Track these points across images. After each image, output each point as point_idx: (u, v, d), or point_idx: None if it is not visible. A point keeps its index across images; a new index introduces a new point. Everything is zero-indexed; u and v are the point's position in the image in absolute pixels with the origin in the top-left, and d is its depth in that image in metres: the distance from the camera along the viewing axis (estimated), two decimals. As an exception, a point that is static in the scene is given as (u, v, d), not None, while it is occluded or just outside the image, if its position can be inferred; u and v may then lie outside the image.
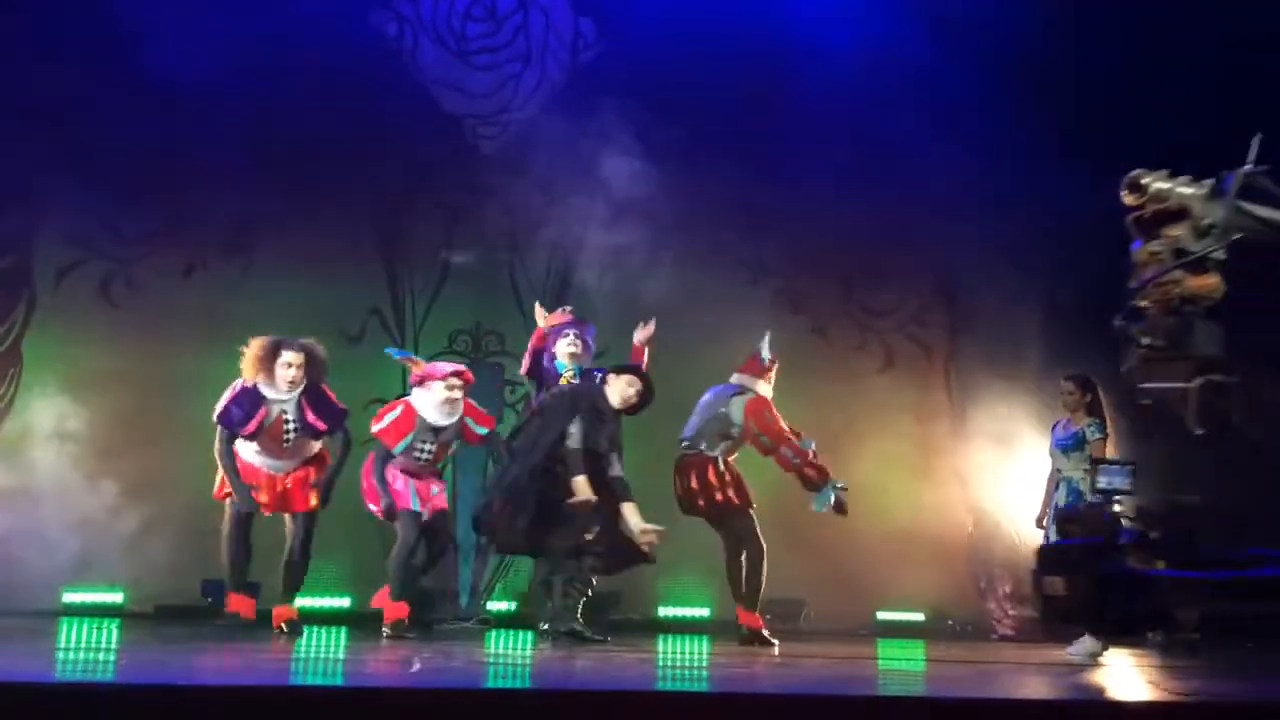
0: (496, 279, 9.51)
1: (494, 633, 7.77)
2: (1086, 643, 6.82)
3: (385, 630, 6.74)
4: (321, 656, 5.31)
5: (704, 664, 5.52)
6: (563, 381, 7.32)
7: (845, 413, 9.25)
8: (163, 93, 8.65)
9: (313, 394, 6.82)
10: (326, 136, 9.01)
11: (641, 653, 6.04)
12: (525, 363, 7.64)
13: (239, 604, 6.91)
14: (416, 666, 4.65)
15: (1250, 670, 6.41)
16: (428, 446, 6.93)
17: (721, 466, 7.34)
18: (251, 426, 6.66)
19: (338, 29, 9.25)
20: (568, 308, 7.87)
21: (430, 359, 9.31)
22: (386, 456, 6.85)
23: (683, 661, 5.55)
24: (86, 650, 5.26)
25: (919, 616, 9.18)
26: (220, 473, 6.84)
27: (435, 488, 7.06)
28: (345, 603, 8.59)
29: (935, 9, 9.32)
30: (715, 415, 7.34)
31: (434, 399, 6.87)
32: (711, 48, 9.56)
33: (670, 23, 9.55)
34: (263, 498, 6.80)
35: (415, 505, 6.86)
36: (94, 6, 8.86)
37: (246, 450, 6.83)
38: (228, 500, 6.86)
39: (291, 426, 6.78)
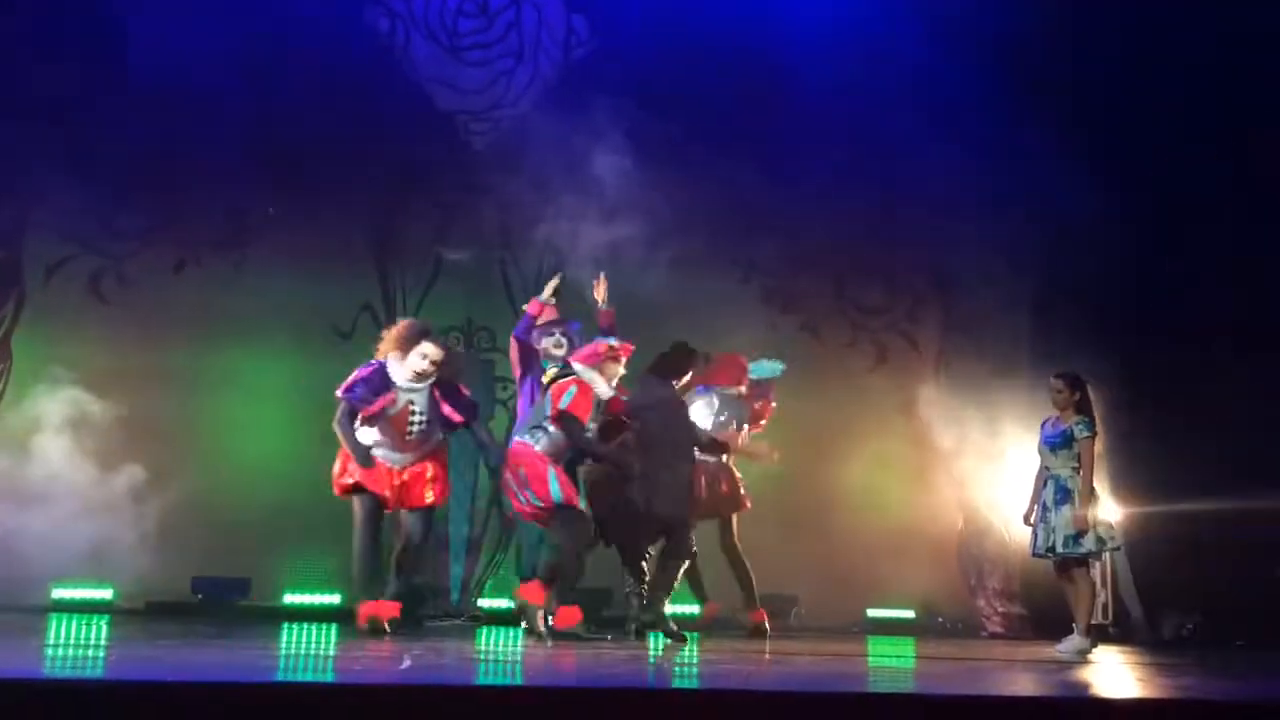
0: (488, 275, 9.51)
1: (484, 629, 7.76)
2: (1075, 640, 6.83)
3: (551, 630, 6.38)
4: (311, 653, 5.30)
5: (695, 661, 5.52)
6: (545, 379, 7.28)
7: (836, 410, 9.27)
8: (153, 89, 8.66)
9: (445, 387, 6.60)
10: (318, 133, 9.01)
11: (632, 649, 6.04)
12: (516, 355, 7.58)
13: (383, 609, 6.48)
14: (406, 663, 4.64)
15: (1239, 668, 6.43)
16: (592, 425, 6.69)
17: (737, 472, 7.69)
18: (375, 407, 6.39)
19: (330, 26, 9.26)
20: (552, 300, 7.84)
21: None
22: (577, 438, 6.51)
23: (674, 658, 5.55)
24: (76, 646, 5.24)
25: (909, 614, 9.19)
26: (339, 468, 6.53)
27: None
28: (335, 599, 8.57)
29: (932, 8, 9.33)
30: (724, 422, 7.62)
31: (609, 374, 6.70)
32: (705, 45, 9.57)
33: (664, 20, 9.57)
34: (386, 492, 6.51)
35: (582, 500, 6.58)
36: (87, 6, 8.85)
37: (366, 439, 6.52)
38: (355, 498, 6.52)
39: (419, 419, 6.53)
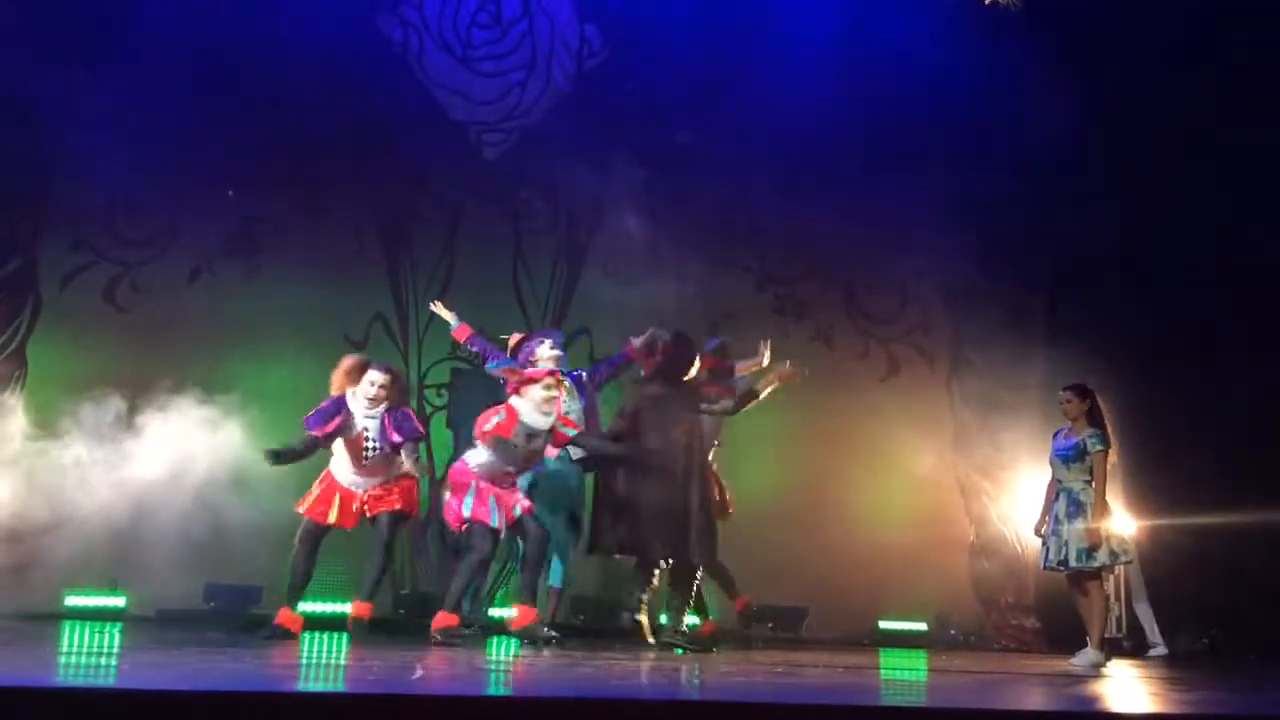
0: (500, 285, 9.51)
1: (495, 639, 7.75)
2: (1089, 654, 6.80)
3: (435, 637, 6.82)
4: (324, 662, 5.30)
5: (705, 672, 5.51)
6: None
7: (847, 421, 9.25)
8: (167, 97, 8.69)
9: (396, 414, 7.05)
10: (332, 141, 9.04)
11: (642, 661, 6.03)
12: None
13: (288, 620, 6.88)
14: (419, 673, 4.64)
15: (1253, 682, 6.39)
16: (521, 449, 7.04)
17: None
18: (329, 428, 6.89)
19: (343, 35, 9.27)
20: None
21: (433, 365, 9.38)
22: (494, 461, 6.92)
23: (683, 669, 5.54)
24: (88, 654, 5.25)
25: (921, 626, 9.15)
26: (314, 489, 7.03)
27: (517, 494, 7.16)
28: (348, 608, 8.57)
29: (945, 13, 9.31)
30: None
31: (533, 401, 6.93)
32: (717, 55, 9.58)
33: (676, 30, 9.57)
34: (332, 516, 6.97)
35: (495, 521, 6.92)
36: (99, 7, 8.90)
37: (335, 466, 7.06)
38: (304, 514, 7.00)
39: (372, 445, 6.99)
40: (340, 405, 6.97)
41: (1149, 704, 4.76)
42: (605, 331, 8.78)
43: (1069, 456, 6.99)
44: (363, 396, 6.96)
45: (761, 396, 7.06)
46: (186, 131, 8.81)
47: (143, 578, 8.24)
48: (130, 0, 8.93)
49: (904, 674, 6.05)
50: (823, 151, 9.40)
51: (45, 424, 8.42)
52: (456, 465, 7.13)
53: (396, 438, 7.00)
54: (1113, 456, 6.99)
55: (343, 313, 9.21)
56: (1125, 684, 5.75)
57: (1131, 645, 8.88)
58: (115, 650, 5.58)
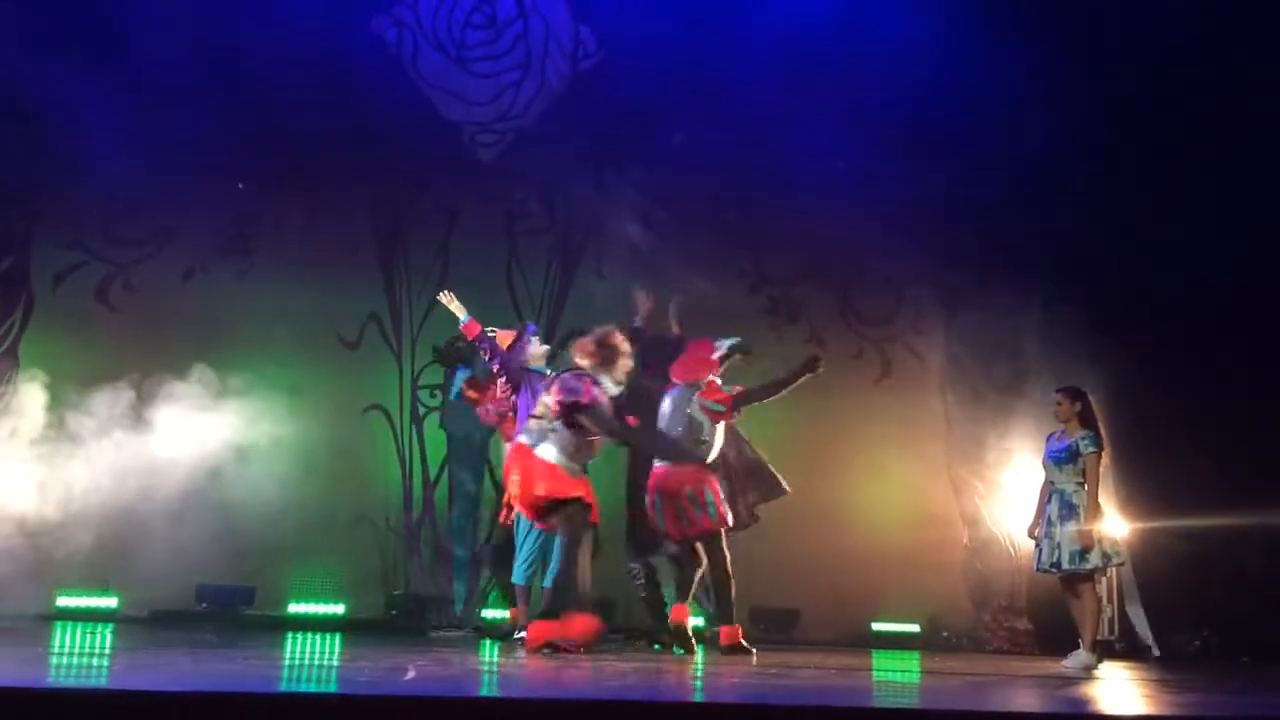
0: (495, 286, 9.51)
1: (488, 641, 7.75)
2: (1081, 655, 6.80)
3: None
4: (315, 663, 5.30)
5: (699, 674, 5.51)
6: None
7: (841, 423, 9.24)
8: (161, 96, 8.69)
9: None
10: (326, 142, 9.04)
11: (636, 662, 6.02)
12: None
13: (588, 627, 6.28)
14: (410, 675, 4.64)
15: (1245, 684, 6.39)
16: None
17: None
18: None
19: (337, 35, 9.28)
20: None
21: (426, 365, 9.35)
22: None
23: (677, 671, 5.54)
24: (80, 655, 5.24)
25: (914, 628, 9.15)
26: (552, 485, 6.17)
27: None
28: (339, 609, 8.58)
29: (945, 13, 9.31)
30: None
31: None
32: (712, 57, 9.57)
33: (670, 32, 9.56)
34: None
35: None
36: (94, 8, 8.90)
37: (548, 451, 6.21)
38: (569, 511, 6.17)
39: None
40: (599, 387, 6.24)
41: (1141, 706, 4.77)
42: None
43: (1061, 459, 6.99)
44: (622, 372, 6.27)
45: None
46: (184, 132, 8.80)
47: (135, 578, 8.23)
48: (130, 0, 8.93)
49: (897, 676, 6.05)
50: (819, 152, 9.38)
51: (37, 422, 8.42)
52: (692, 472, 6.51)
53: (634, 421, 6.45)
54: (1105, 458, 6.99)
55: (337, 312, 9.21)
56: (1118, 686, 5.76)
57: (1124, 647, 8.88)
58: (107, 651, 5.57)
